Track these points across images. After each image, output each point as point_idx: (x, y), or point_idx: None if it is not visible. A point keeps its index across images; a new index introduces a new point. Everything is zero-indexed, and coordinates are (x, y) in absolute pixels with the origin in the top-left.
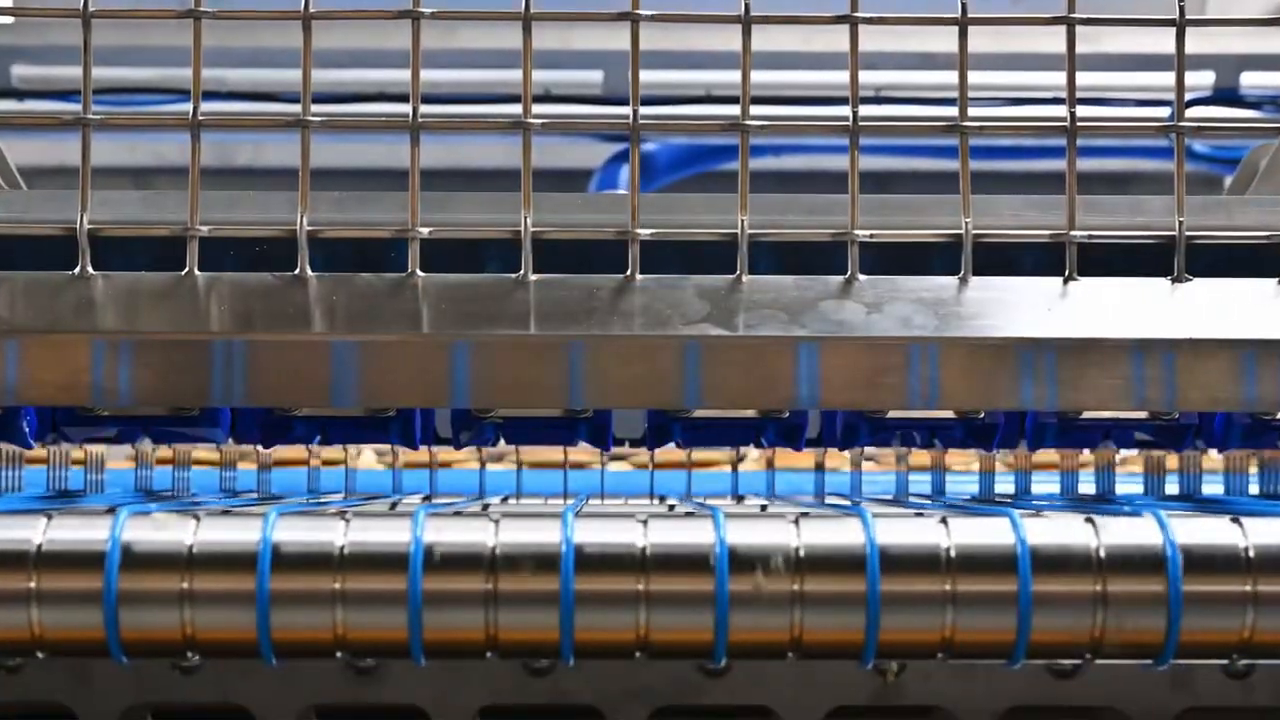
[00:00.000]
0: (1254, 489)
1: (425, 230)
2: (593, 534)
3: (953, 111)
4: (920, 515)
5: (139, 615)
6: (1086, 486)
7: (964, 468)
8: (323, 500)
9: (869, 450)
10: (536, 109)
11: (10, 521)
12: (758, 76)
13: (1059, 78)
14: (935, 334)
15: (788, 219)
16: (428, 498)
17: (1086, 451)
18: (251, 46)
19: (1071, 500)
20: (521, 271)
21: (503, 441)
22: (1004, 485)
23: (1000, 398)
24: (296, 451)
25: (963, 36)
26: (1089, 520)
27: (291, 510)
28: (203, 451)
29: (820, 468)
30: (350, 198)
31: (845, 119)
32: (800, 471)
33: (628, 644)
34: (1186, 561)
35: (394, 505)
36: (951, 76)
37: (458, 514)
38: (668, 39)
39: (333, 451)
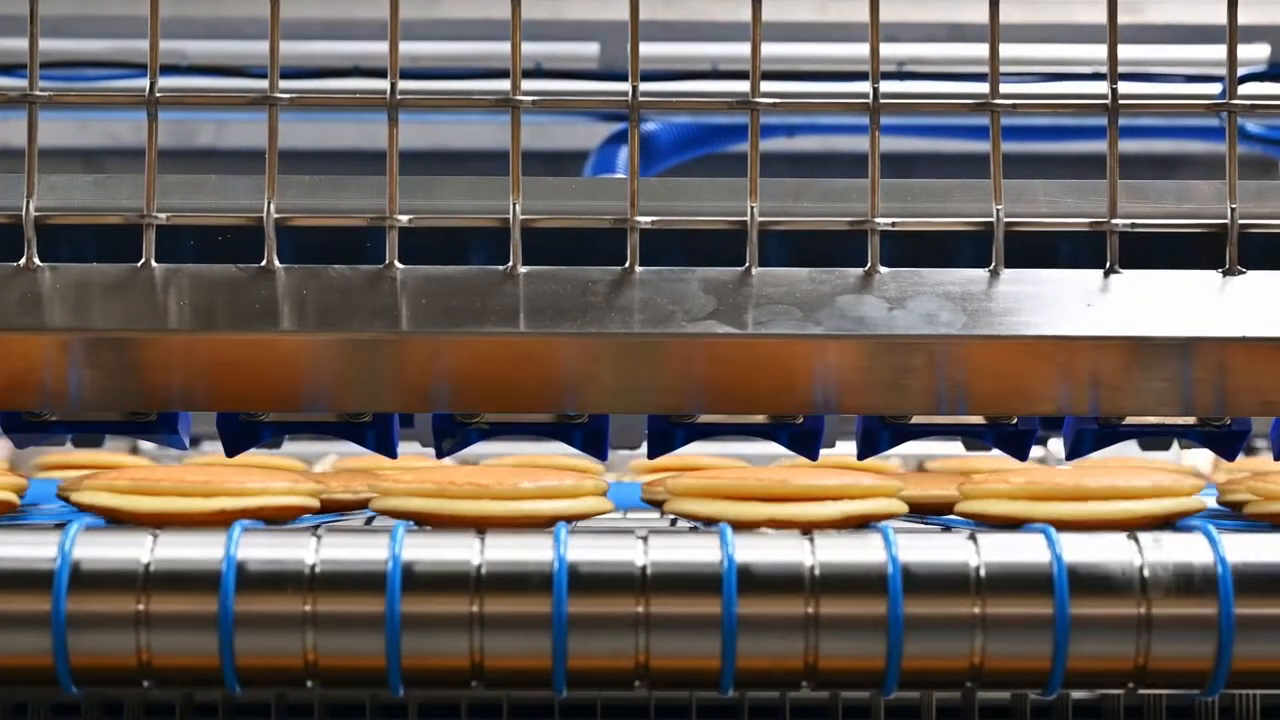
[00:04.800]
0: None
1: (404, 218)
2: (588, 551)
3: (983, 88)
4: (947, 531)
5: (90, 640)
6: None
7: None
8: None
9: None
10: (526, 85)
11: None
12: (769, 49)
13: (1099, 51)
14: (963, 332)
15: (801, 205)
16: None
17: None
18: (213, 16)
19: None
20: (510, 263)
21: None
22: None
23: (1035, 402)
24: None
25: (994, 6)
26: (1132, 537)
27: (258, 525)
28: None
29: None
30: (323, 182)
31: (865, 96)
32: None
33: (625, 672)
34: (1239, 582)
35: (370, 520)
36: (982, 50)
37: (440, 528)
38: (669, 8)
39: None
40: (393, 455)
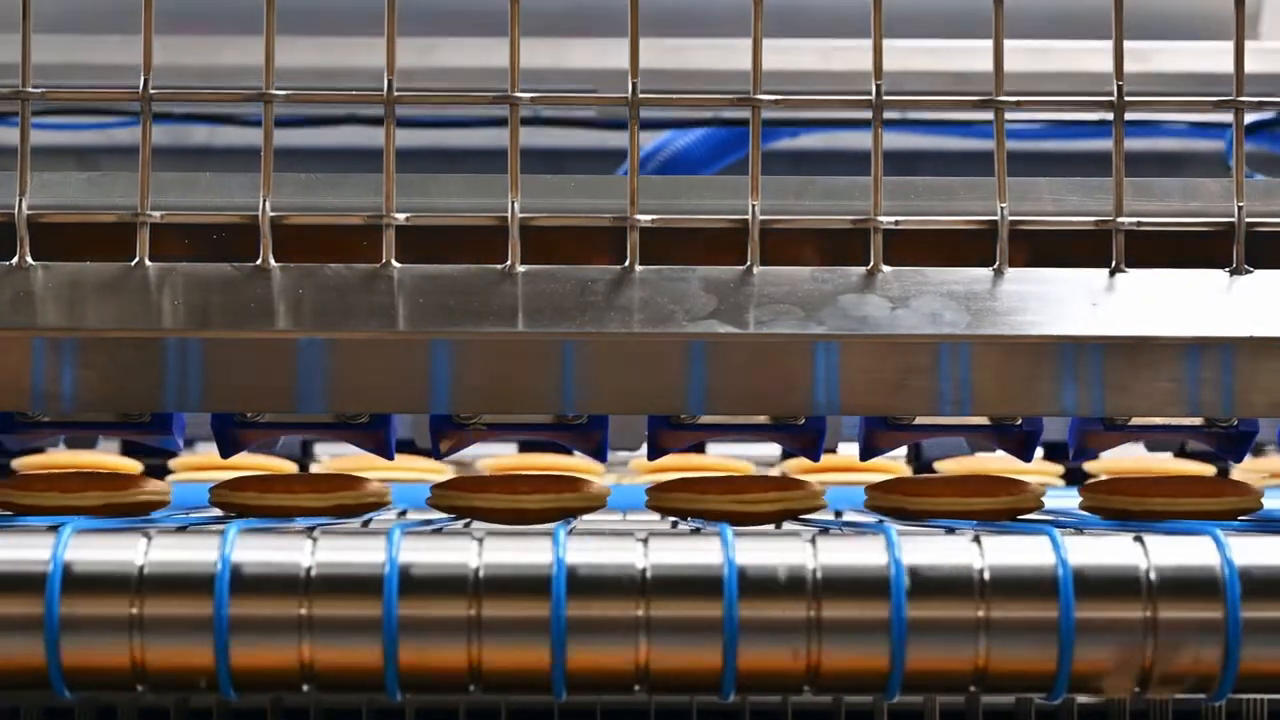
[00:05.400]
0: None
1: (402, 216)
2: (587, 554)
3: (987, 85)
4: (951, 533)
5: (83, 643)
6: None
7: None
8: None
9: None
10: (525, 131)
11: None
12: (769, 61)
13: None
14: (968, 331)
15: (804, 204)
16: (403, 513)
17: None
18: (205, 65)
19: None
20: (508, 262)
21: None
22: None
23: (1040, 402)
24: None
25: (998, 3)
26: (1137, 539)
27: (253, 527)
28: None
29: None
30: (318, 180)
31: (867, 93)
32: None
33: (626, 675)
34: (1246, 585)
35: (367, 522)
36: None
37: (438, 531)
38: (669, 57)
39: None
40: (389, 456)
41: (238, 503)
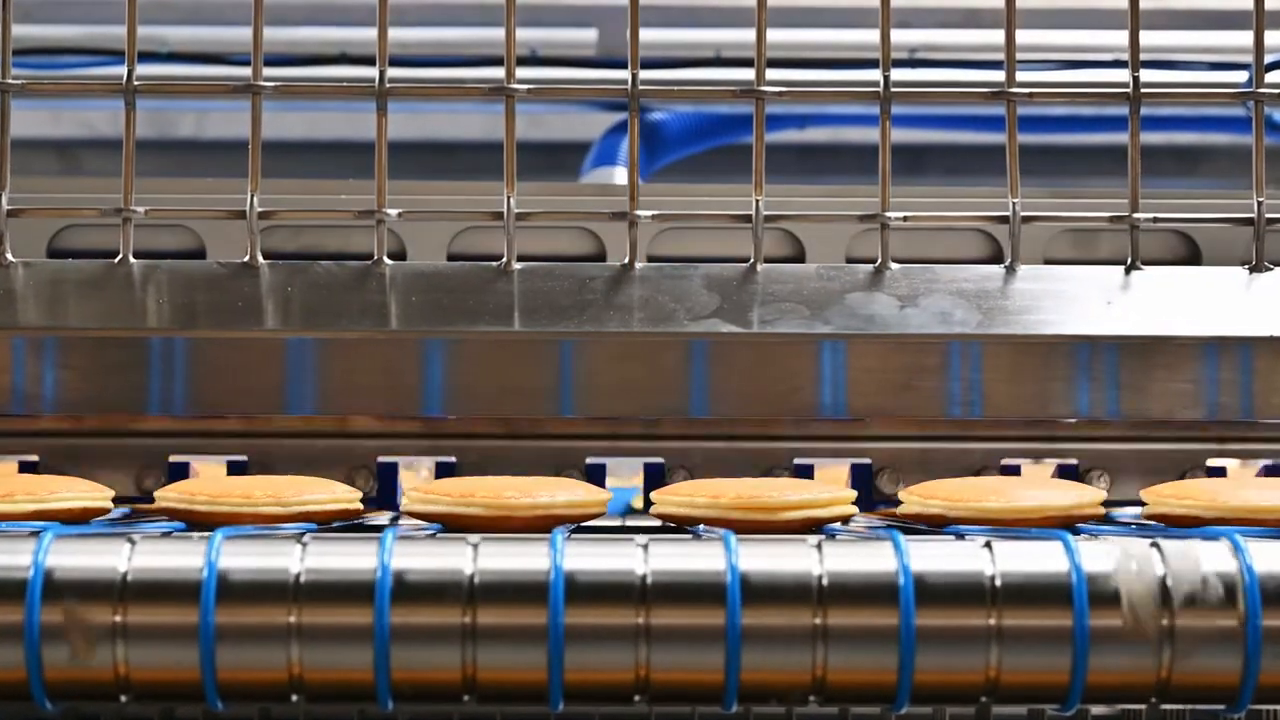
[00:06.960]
0: None
1: (394, 212)
2: (586, 560)
3: (999, 76)
4: (960, 539)
5: (65, 653)
6: None
7: None
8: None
9: None
10: (521, 73)
11: None
12: (775, 35)
13: (1121, 37)
14: (978, 331)
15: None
16: (396, 518)
17: None
18: (194, 1)
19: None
20: (504, 259)
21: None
22: None
23: (1053, 404)
24: None
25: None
26: (1154, 545)
27: (241, 533)
28: None
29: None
30: (311, 183)
31: (875, 84)
32: None
33: (625, 686)
34: (1265, 592)
35: (358, 527)
36: (998, 35)
37: (432, 537)
38: None
39: None
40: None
41: (185, 509)
